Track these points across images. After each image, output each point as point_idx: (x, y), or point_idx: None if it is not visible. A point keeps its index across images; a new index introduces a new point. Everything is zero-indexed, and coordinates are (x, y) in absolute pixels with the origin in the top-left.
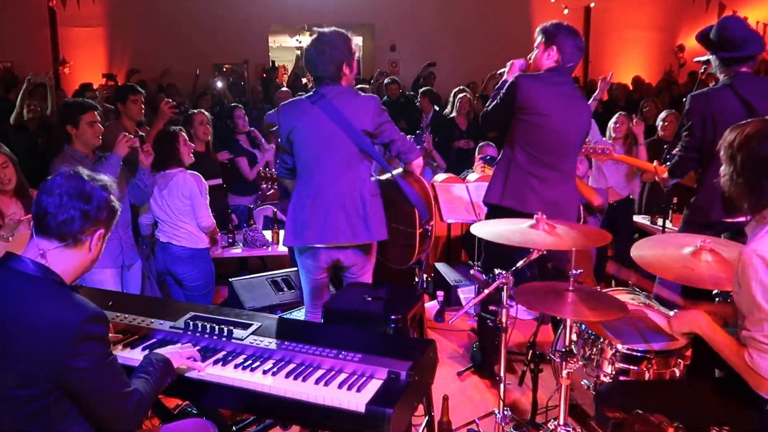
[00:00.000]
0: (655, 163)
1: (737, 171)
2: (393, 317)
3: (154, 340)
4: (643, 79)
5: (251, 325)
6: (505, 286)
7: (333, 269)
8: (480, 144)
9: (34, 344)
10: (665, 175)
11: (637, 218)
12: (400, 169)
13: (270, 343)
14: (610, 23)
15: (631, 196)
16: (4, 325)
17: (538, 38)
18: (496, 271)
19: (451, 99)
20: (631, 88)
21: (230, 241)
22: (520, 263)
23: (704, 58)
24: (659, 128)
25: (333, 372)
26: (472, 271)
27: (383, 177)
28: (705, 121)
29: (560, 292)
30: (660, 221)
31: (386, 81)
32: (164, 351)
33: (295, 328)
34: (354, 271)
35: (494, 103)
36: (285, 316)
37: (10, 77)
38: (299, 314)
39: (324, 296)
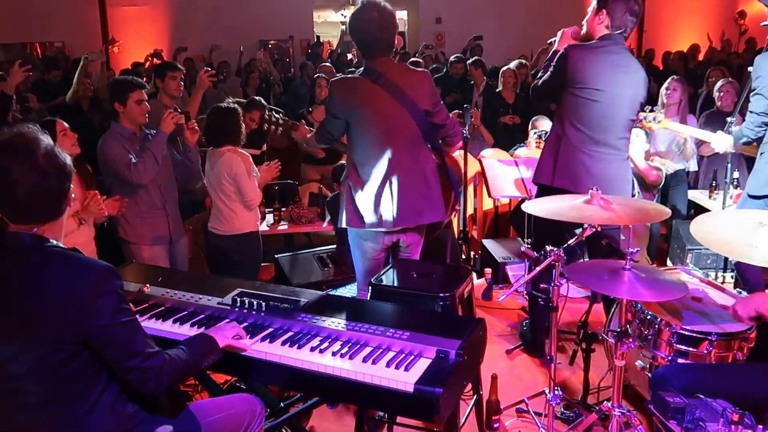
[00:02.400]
0: (719, 133)
1: None
2: (441, 295)
3: (203, 315)
4: (700, 47)
5: (298, 301)
6: (556, 264)
7: (390, 248)
8: (534, 118)
9: (58, 309)
10: (729, 141)
11: (693, 193)
12: None
13: (317, 320)
14: None
15: (687, 170)
16: (29, 297)
17: (592, 2)
18: (548, 248)
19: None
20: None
21: (276, 218)
22: (572, 240)
23: None
24: (716, 99)
25: (381, 350)
26: (522, 248)
27: None
28: None
29: (615, 270)
30: (718, 196)
31: (452, 59)
32: (210, 331)
33: (342, 305)
34: (411, 250)
35: (545, 76)
36: (332, 293)
37: (62, 57)
38: (345, 291)
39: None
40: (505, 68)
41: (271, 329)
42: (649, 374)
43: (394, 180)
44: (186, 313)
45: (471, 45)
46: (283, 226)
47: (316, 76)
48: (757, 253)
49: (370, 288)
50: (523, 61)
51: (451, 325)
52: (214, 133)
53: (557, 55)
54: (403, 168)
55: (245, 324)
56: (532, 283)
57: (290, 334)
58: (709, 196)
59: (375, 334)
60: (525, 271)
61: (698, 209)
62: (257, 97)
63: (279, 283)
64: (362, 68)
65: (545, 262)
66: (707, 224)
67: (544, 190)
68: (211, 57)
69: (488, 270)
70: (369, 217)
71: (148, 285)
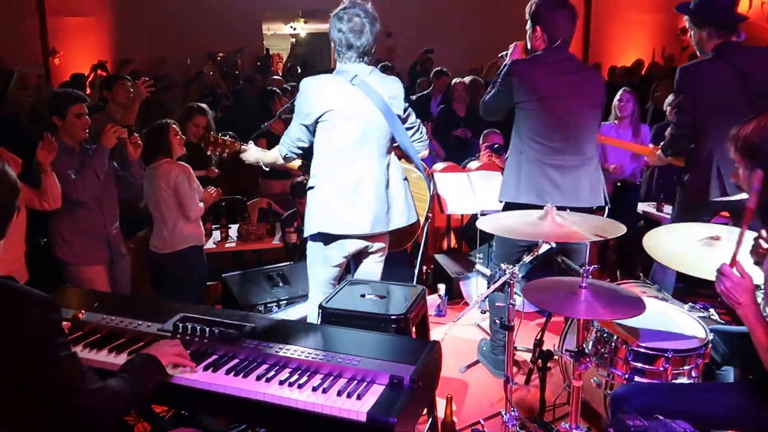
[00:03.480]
0: (652, 146)
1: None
2: (394, 317)
3: (142, 343)
4: (644, 62)
5: (244, 326)
6: (511, 282)
7: (354, 256)
8: (485, 132)
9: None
10: (658, 152)
11: (642, 205)
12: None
13: (264, 346)
14: (612, 5)
15: (638, 182)
16: None
17: (528, 22)
18: (503, 266)
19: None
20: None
21: (223, 235)
22: (527, 258)
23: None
24: (668, 112)
25: (331, 377)
26: (477, 267)
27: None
28: (695, 96)
29: (572, 288)
30: (667, 209)
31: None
32: (150, 349)
33: (290, 330)
34: (379, 256)
35: (492, 91)
36: (280, 317)
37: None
38: (295, 310)
39: (334, 288)
40: (456, 81)
41: (214, 356)
42: (605, 392)
43: (368, 183)
44: (124, 340)
45: (422, 58)
46: (231, 244)
47: (271, 89)
48: (709, 268)
49: (320, 311)
50: (479, 79)
51: (405, 348)
52: (147, 150)
53: (503, 72)
54: (375, 171)
55: (188, 351)
56: (489, 301)
57: (235, 361)
58: (657, 209)
59: (325, 360)
60: (476, 285)
61: (648, 221)
62: (196, 104)
63: (227, 302)
64: (335, 71)
65: (500, 281)
66: (658, 238)
67: (509, 208)
68: (157, 69)
69: (441, 285)
70: (342, 221)
71: (83, 311)
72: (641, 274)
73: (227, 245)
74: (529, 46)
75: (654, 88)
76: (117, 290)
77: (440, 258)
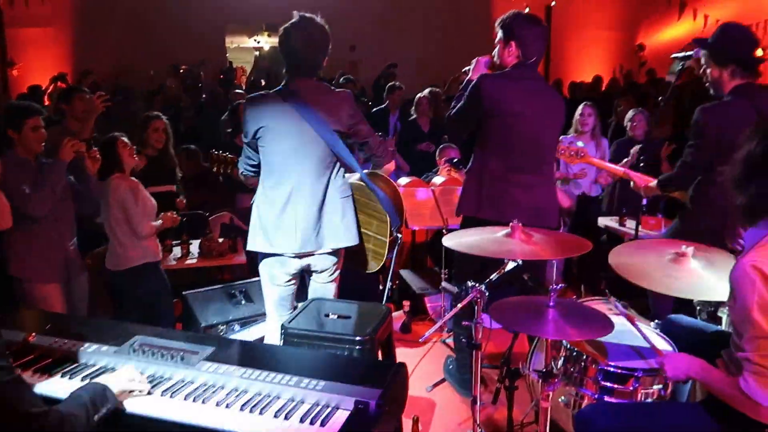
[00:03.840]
0: (625, 168)
1: (748, 178)
2: (359, 338)
3: (96, 368)
4: (603, 78)
5: (203, 349)
6: (478, 301)
7: (302, 274)
8: (441, 146)
9: None
10: (653, 184)
11: (603, 220)
12: (365, 171)
13: (224, 370)
14: (571, 22)
15: (600, 197)
16: None
17: (498, 33)
18: (469, 283)
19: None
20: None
21: (184, 251)
22: (493, 275)
23: (682, 54)
24: (628, 128)
25: (294, 403)
26: (443, 284)
27: (352, 179)
28: (720, 137)
29: (539, 307)
30: (629, 223)
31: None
32: (102, 378)
33: (251, 352)
34: (327, 276)
35: (459, 106)
36: (241, 339)
37: None
38: (258, 329)
39: (291, 306)
40: (419, 95)
41: (172, 381)
42: (572, 410)
43: (299, 202)
44: (76, 365)
45: (386, 72)
46: (192, 260)
47: (237, 102)
48: (676, 284)
49: (282, 332)
50: (439, 92)
51: (370, 371)
52: (100, 167)
53: (470, 86)
54: (309, 190)
55: (144, 377)
56: (454, 319)
57: (193, 387)
58: (619, 224)
59: (287, 384)
60: (443, 301)
61: (611, 236)
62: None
63: (187, 321)
64: (280, 85)
65: (466, 299)
66: (624, 255)
67: (468, 222)
68: (119, 81)
69: (406, 302)
70: (273, 240)
71: (34, 333)
72: (607, 290)
73: (188, 262)
74: (497, 61)
75: (617, 104)
76: (74, 310)
77: (405, 274)
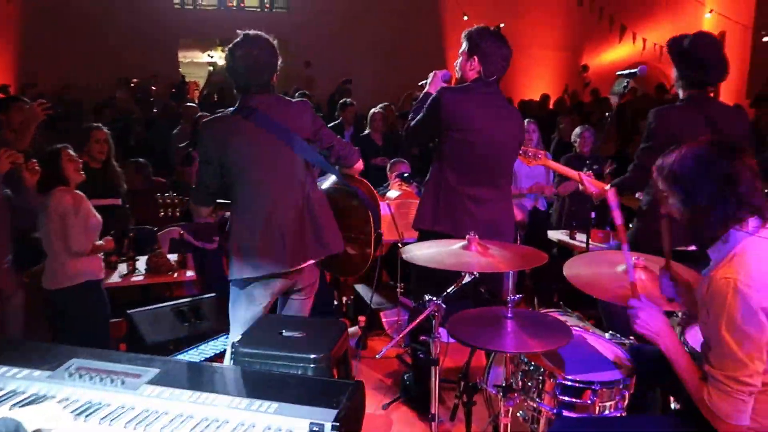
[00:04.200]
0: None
1: (690, 194)
2: (314, 356)
3: (26, 395)
4: (550, 96)
5: (147, 372)
6: (436, 315)
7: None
8: (392, 161)
9: None
10: (607, 187)
11: (554, 233)
12: (330, 179)
13: (169, 393)
14: (519, 42)
15: (549, 211)
16: None
17: (463, 44)
18: (426, 297)
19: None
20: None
21: (130, 268)
22: (451, 288)
23: (627, 72)
24: (576, 144)
25: (244, 427)
26: (400, 298)
27: (326, 185)
28: (670, 140)
29: (498, 320)
30: (579, 236)
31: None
32: (19, 413)
33: (198, 374)
34: (308, 291)
35: (418, 118)
36: (190, 359)
37: None
38: (209, 348)
39: None
40: (373, 111)
41: (110, 408)
42: (531, 426)
43: (282, 219)
44: (5, 392)
45: (341, 88)
46: (138, 277)
47: (199, 115)
48: (630, 295)
49: (232, 351)
50: (391, 106)
51: (326, 391)
52: (41, 178)
53: (430, 98)
54: (288, 204)
55: (80, 403)
56: (411, 334)
57: (134, 413)
58: (570, 237)
59: (237, 408)
60: (399, 316)
61: (562, 250)
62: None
63: (132, 342)
64: (235, 106)
65: (423, 314)
66: (578, 266)
67: (424, 236)
68: (64, 94)
69: (362, 317)
70: (261, 263)
71: None
72: (561, 302)
73: (134, 279)
74: (458, 72)
75: (559, 121)
76: (7, 331)
77: (360, 289)
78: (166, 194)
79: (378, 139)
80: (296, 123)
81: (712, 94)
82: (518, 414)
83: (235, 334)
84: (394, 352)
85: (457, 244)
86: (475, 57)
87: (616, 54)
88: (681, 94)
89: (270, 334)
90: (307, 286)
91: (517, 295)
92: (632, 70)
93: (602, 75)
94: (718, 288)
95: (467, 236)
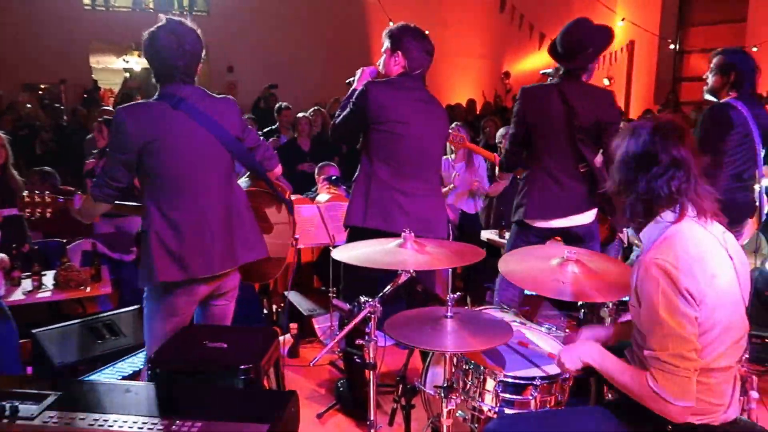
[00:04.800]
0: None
1: (623, 172)
2: (243, 367)
3: None
4: (476, 102)
5: (47, 396)
6: (372, 317)
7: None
8: (320, 165)
9: None
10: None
11: (485, 233)
12: (243, 181)
13: (71, 419)
14: (443, 50)
15: (477, 212)
16: None
17: (385, 42)
18: (362, 299)
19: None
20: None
21: (35, 284)
22: (387, 288)
23: (551, 70)
24: (501, 145)
25: None
26: (333, 301)
27: (244, 187)
28: (526, 116)
29: (438, 319)
30: (508, 235)
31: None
32: None
33: (110, 394)
34: (230, 297)
35: (344, 113)
36: (108, 375)
37: None
38: (126, 365)
39: None
40: (300, 115)
41: None
42: (471, 425)
43: (212, 218)
44: None
45: (265, 94)
46: (45, 293)
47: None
48: (567, 289)
49: (149, 365)
50: (323, 110)
51: (257, 404)
52: None
53: (357, 93)
54: (219, 203)
55: None
56: (346, 338)
57: None
58: (499, 236)
59: (156, 429)
60: (331, 322)
61: (491, 249)
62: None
63: (38, 364)
64: (156, 95)
65: (359, 316)
66: (513, 262)
67: (355, 233)
68: None
69: (294, 325)
70: (188, 264)
71: None
72: (496, 300)
73: (40, 295)
74: (382, 70)
75: (483, 125)
76: None
77: (291, 295)
78: (36, 192)
79: (304, 144)
80: (226, 118)
81: (585, 78)
82: (458, 414)
83: (153, 350)
84: (327, 359)
85: (392, 243)
86: (399, 52)
87: (535, 61)
88: (554, 80)
89: (191, 345)
90: (230, 290)
91: (457, 294)
92: (555, 68)
93: (523, 81)
94: (650, 271)
95: (403, 234)
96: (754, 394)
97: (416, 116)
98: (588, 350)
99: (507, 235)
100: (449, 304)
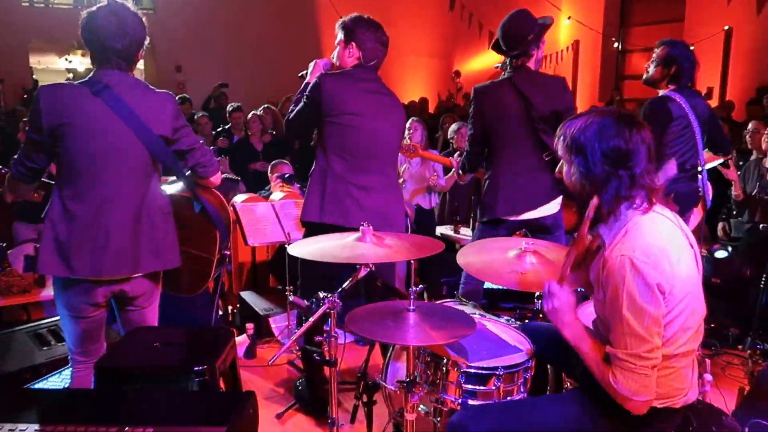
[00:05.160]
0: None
1: (589, 166)
2: (197, 368)
3: None
4: (428, 100)
5: None
6: (331, 312)
7: (112, 301)
8: (273, 163)
9: None
10: (459, 171)
11: (440, 228)
12: (179, 185)
13: (10, 431)
14: (395, 49)
15: (433, 207)
16: None
17: (339, 34)
18: (320, 294)
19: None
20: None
21: None
22: (347, 284)
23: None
24: (453, 140)
25: None
26: (291, 298)
27: (172, 191)
28: (484, 114)
29: (399, 313)
30: (463, 230)
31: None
32: None
33: (51, 402)
34: (141, 302)
35: (298, 107)
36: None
37: None
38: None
39: (100, 339)
40: (251, 113)
41: None
42: (434, 419)
43: (111, 216)
44: None
45: (215, 93)
46: None
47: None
48: (525, 278)
49: (95, 371)
50: (273, 108)
51: (212, 406)
52: None
53: (310, 86)
54: (122, 201)
55: None
56: (305, 336)
57: None
58: (454, 231)
59: None
60: (288, 321)
61: (450, 244)
62: None
63: None
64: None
65: (318, 312)
66: (471, 255)
67: (312, 229)
68: None
69: (250, 325)
70: (75, 263)
71: None
72: (456, 292)
73: None
74: (336, 62)
75: (443, 121)
76: None
77: (246, 296)
78: None
79: (257, 143)
80: (154, 114)
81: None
82: (420, 408)
83: (72, 351)
84: (285, 359)
85: (350, 237)
86: (353, 44)
87: (485, 60)
88: (505, 72)
89: (141, 347)
90: (139, 295)
91: (419, 286)
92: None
93: (473, 80)
94: (615, 267)
95: (361, 227)
96: (708, 377)
97: (371, 108)
98: (575, 322)
99: (462, 230)
100: (411, 297)
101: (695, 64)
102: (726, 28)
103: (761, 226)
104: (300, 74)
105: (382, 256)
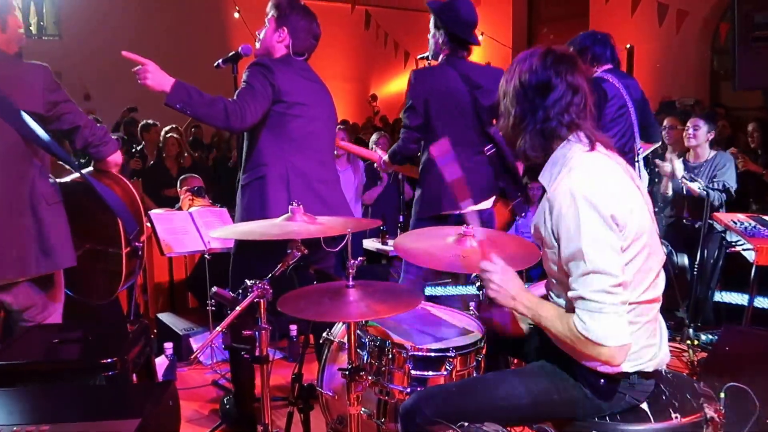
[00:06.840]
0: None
1: (508, 107)
2: (105, 362)
3: None
4: (349, 121)
5: None
6: (262, 301)
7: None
8: (181, 177)
9: None
10: (385, 158)
11: (366, 242)
12: (90, 168)
13: None
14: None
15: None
16: None
17: (270, 11)
18: (248, 282)
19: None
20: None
21: None
22: (278, 268)
23: (426, 54)
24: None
25: None
26: (214, 289)
27: (68, 178)
28: (428, 98)
29: (337, 290)
30: (390, 242)
31: None
32: None
33: None
34: (32, 315)
35: (247, 96)
36: None
37: None
38: None
39: None
40: (168, 136)
41: None
42: (377, 421)
43: None
44: None
45: (125, 117)
46: None
47: None
48: (466, 262)
49: None
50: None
51: (124, 399)
52: None
53: (254, 70)
54: None
55: None
56: (231, 334)
57: None
58: (382, 243)
59: None
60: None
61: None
62: None
63: None
64: None
65: (247, 300)
66: (408, 242)
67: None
68: None
69: (168, 345)
70: None
71: None
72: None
73: None
74: (258, 47)
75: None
76: None
77: (164, 317)
78: None
79: (173, 167)
80: (19, 89)
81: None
82: (362, 411)
83: None
84: (210, 379)
85: (280, 218)
86: (284, 28)
87: (401, 83)
88: (440, 59)
89: (41, 344)
90: (28, 307)
91: (360, 259)
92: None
93: (390, 103)
94: (566, 204)
95: (290, 207)
96: None
97: (314, 97)
98: (522, 292)
99: (390, 242)
100: (350, 270)
101: (608, 45)
102: (628, 46)
103: (684, 221)
104: (215, 64)
105: (313, 231)
